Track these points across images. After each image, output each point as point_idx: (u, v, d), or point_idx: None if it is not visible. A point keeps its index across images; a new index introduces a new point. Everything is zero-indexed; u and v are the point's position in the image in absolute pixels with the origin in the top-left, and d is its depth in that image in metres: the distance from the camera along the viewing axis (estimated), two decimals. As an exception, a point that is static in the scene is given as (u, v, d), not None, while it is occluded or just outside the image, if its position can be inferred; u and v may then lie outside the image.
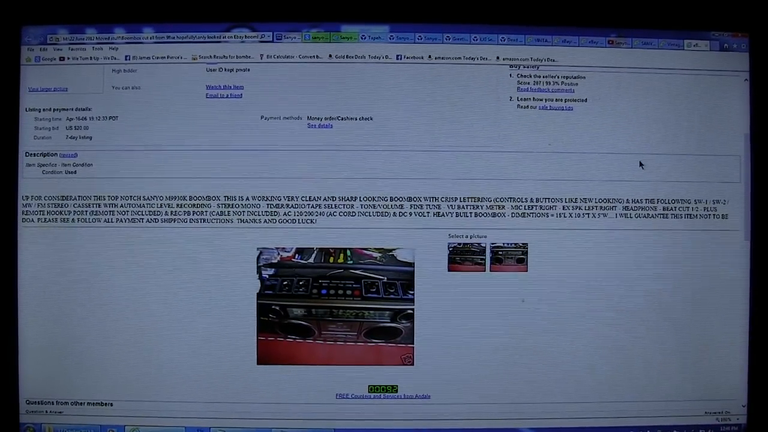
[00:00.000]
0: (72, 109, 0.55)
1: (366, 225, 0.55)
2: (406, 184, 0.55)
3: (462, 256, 0.55)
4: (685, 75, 0.56)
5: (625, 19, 0.56)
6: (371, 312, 0.55)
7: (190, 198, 0.55)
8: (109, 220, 0.55)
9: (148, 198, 0.55)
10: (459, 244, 0.55)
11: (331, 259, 0.55)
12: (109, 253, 0.54)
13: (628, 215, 0.55)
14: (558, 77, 0.56)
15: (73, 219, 0.55)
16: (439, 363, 0.55)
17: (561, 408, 0.56)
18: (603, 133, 0.56)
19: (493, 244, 0.55)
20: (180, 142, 0.55)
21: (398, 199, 0.55)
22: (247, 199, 0.55)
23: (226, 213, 0.55)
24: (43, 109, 0.55)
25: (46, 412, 0.55)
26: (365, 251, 0.55)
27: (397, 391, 0.56)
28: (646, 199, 0.56)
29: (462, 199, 0.55)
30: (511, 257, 0.55)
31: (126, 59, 0.55)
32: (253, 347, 0.55)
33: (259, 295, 0.55)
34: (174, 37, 0.55)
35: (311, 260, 0.55)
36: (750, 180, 0.56)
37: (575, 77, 0.56)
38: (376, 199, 0.55)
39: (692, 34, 0.56)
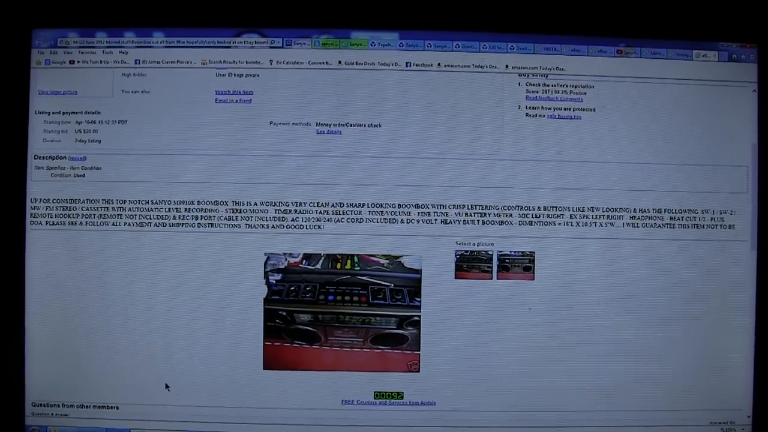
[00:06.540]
0: (81, 113, 0.55)
1: (373, 231, 0.55)
2: (414, 191, 0.55)
3: (469, 264, 0.55)
4: (694, 85, 0.56)
5: (634, 29, 0.56)
6: (378, 318, 0.55)
7: (198, 203, 0.55)
8: (117, 224, 0.55)
9: (156, 202, 0.55)
10: (466, 251, 0.55)
11: (339, 265, 0.55)
12: (117, 257, 0.55)
13: (636, 224, 0.56)
14: (567, 86, 0.56)
15: (81, 222, 0.55)
16: (445, 370, 0.55)
17: (565, 416, 0.56)
18: (611, 143, 0.56)
19: (500, 251, 0.55)
20: (189, 146, 0.55)
21: (406, 206, 0.55)
22: (255, 204, 0.55)
23: (234, 218, 0.55)
24: (53, 112, 0.55)
25: (52, 414, 0.55)
26: (372, 257, 0.55)
27: (402, 398, 0.56)
28: (653, 209, 0.56)
29: (470, 207, 0.55)
30: (518, 265, 0.55)
31: (136, 63, 0.55)
32: (259, 352, 0.55)
33: (266, 301, 0.55)
34: (184, 42, 0.55)
35: (318, 266, 0.55)
36: (757, 190, 0.56)
37: (584, 86, 0.56)
38: (384, 205, 0.55)
39: (701, 45, 0.56)
